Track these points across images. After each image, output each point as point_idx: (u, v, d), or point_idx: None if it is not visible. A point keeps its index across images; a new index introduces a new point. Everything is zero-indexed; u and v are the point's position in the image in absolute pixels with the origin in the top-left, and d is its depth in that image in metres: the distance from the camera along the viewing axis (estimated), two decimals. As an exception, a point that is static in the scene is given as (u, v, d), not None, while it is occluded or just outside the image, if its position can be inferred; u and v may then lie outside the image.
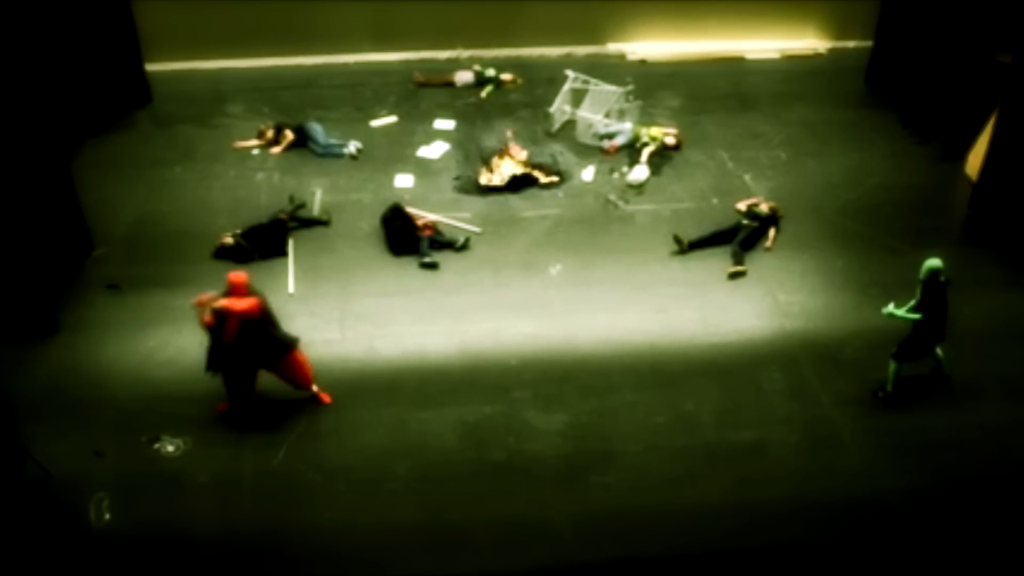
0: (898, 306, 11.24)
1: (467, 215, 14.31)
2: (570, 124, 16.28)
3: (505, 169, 14.91)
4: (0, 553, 9.71)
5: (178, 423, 11.01)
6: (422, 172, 15.30)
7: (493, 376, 11.69)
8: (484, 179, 14.91)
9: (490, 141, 15.87)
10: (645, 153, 15.48)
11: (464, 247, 13.67)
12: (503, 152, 15.26)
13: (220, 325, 10.51)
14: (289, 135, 15.73)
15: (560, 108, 16.28)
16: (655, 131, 15.82)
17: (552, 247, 13.76)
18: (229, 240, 13.41)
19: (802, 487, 10.52)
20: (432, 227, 13.85)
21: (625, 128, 15.91)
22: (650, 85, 17.41)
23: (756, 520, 10.18)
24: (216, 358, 10.77)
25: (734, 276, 13.21)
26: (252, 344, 10.68)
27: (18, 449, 10.28)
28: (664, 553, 9.92)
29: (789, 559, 9.99)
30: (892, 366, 11.34)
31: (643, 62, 18.41)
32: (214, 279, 12.93)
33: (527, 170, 15.00)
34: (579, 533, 10.04)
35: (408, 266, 13.39)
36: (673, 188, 15.02)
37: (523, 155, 15.20)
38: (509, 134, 15.67)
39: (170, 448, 10.77)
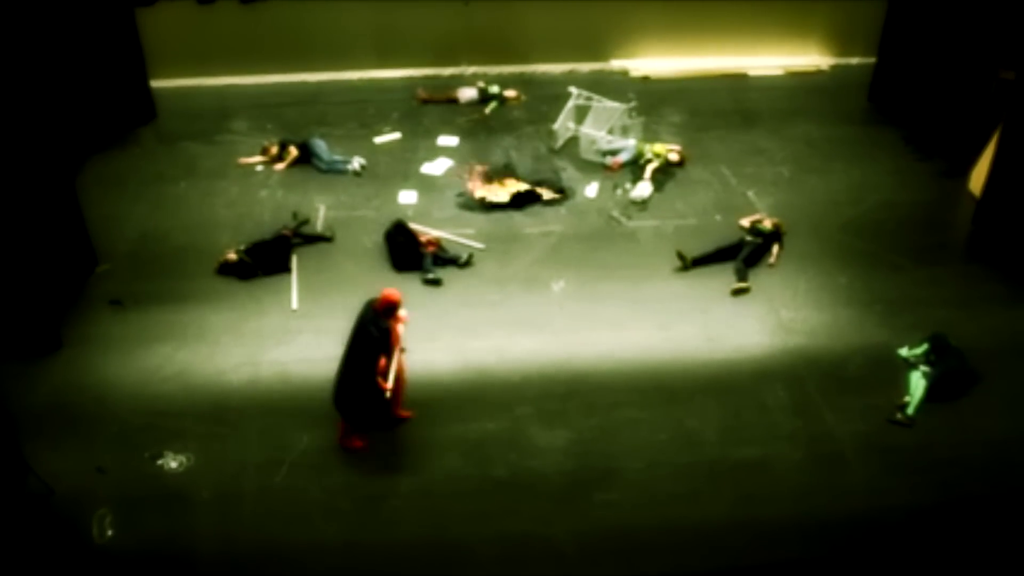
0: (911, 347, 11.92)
1: (470, 231, 14.32)
2: (573, 141, 16.31)
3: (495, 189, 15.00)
4: (2, 569, 9.70)
5: (181, 439, 11.00)
6: (426, 188, 15.31)
7: (496, 392, 11.68)
8: (487, 194, 14.92)
9: (494, 158, 15.92)
10: (648, 169, 15.49)
11: (467, 263, 13.68)
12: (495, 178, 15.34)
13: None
14: (293, 151, 15.76)
15: (563, 125, 16.30)
16: (658, 147, 15.83)
17: (555, 263, 13.76)
18: (233, 256, 13.43)
19: (806, 504, 10.49)
20: (436, 243, 13.86)
21: (628, 144, 15.93)
22: (653, 102, 17.43)
23: (759, 537, 10.15)
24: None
25: (737, 293, 13.20)
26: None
27: (20, 465, 10.27)
28: (667, 571, 9.89)
29: (793, 577, 9.98)
30: (922, 392, 11.42)
31: (646, 79, 18.44)
32: (217, 296, 13.04)
33: (526, 187, 15.03)
34: (582, 550, 10.01)
35: (411, 282, 13.38)
36: (676, 204, 15.03)
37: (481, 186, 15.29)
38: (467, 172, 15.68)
39: (173, 464, 10.76)
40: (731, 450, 11.04)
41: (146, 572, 9.81)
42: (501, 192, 14.97)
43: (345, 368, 10.69)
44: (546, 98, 17.51)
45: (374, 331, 10.40)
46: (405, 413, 11.16)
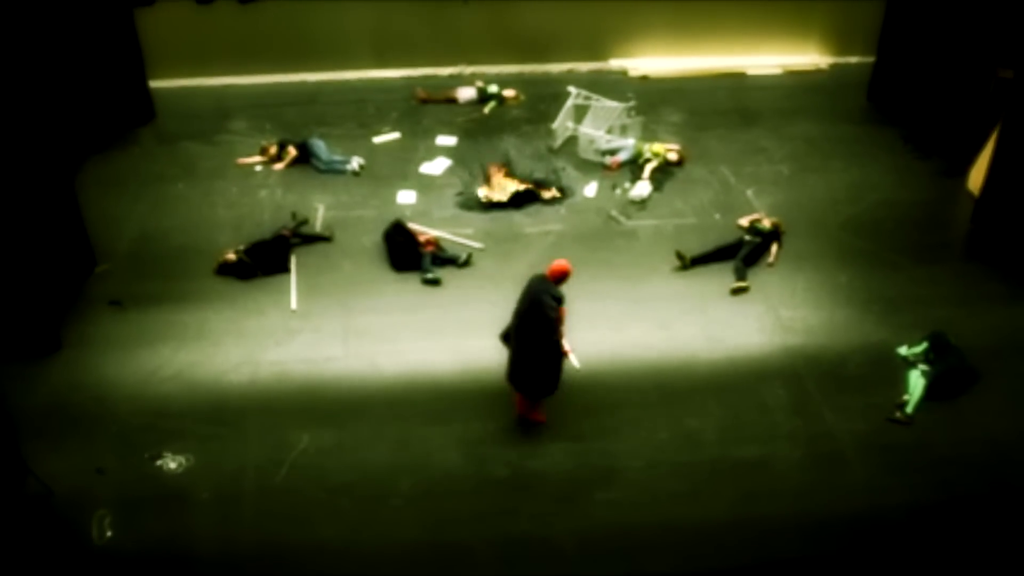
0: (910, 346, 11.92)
1: (469, 231, 14.32)
2: (572, 140, 16.30)
3: (506, 186, 14.95)
4: (2, 570, 9.69)
5: (181, 439, 11.00)
6: (424, 188, 15.31)
7: (495, 392, 11.64)
8: (484, 194, 14.91)
9: (493, 158, 15.90)
10: (647, 169, 15.50)
11: (466, 263, 13.68)
12: (497, 171, 15.29)
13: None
14: (292, 151, 15.76)
15: (562, 124, 16.30)
16: (657, 147, 15.83)
17: (554, 263, 13.77)
18: (232, 256, 13.43)
19: (806, 503, 10.50)
20: (434, 243, 13.85)
21: (627, 144, 15.93)
22: (652, 101, 17.44)
23: (760, 536, 10.16)
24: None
25: (737, 292, 13.20)
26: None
27: (20, 466, 10.27)
28: (668, 570, 9.89)
29: (793, 575, 9.96)
30: (921, 391, 11.43)
31: (645, 78, 18.44)
32: (217, 296, 13.04)
33: (528, 186, 15.03)
34: (582, 550, 10.02)
35: (411, 282, 13.39)
36: (675, 204, 15.03)
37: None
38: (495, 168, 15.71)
39: (172, 465, 10.75)
40: (731, 449, 11.05)
41: (145, 573, 9.80)
42: (509, 185, 14.94)
43: (519, 342, 10.79)
44: (545, 97, 17.52)
45: (550, 302, 10.55)
46: (540, 417, 11.21)
